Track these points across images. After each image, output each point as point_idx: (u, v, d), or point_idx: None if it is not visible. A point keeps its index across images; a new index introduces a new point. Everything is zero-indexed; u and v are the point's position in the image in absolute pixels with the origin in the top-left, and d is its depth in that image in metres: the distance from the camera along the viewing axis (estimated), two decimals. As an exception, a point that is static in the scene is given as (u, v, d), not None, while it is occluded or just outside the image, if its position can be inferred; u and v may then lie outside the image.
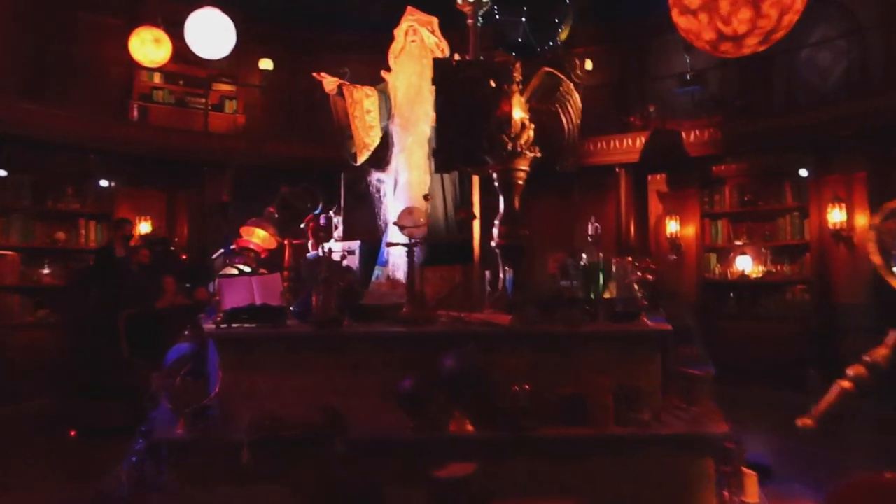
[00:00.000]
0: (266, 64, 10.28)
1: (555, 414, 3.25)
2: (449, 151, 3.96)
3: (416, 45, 4.71)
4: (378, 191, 4.76)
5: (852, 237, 8.75)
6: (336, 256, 4.37)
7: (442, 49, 4.71)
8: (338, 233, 5.68)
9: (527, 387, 3.21)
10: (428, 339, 3.41)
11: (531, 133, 3.77)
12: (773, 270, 9.28)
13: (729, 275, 9.54)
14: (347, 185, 5.35)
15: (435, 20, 4.72)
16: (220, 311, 3.57)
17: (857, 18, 8.82)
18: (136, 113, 9.19)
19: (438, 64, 3.97)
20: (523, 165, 3.77)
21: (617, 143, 9.55)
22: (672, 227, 9.96)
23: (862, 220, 8.73)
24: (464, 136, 3.89)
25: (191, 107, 9.75)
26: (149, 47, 7.12)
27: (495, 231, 3.86)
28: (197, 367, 3.68)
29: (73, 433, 5.96)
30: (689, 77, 9.97)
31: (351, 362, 3.38)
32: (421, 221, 3.73)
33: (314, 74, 4.75)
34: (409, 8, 4.79)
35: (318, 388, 3.31)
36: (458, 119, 3.89)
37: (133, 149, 8.63)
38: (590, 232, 4.29)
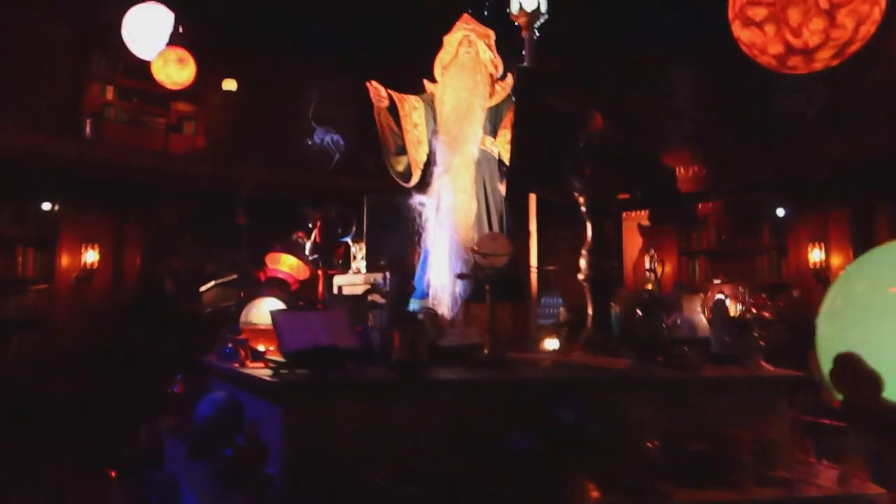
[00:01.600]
0: (230, 84, 9.59)
1: (687, 473, 2.79)
2: (526, 173, 3.50)
3: (470, 58, 4.28)
4: (419, 215, 4.24)
5: (829, 277, 8.84)
6: (358, 291, 3.83)
7: (496, 66, 4.30)
8: (356, 264, 5.12)
9: (656, 442, 2.74)
10: (531, 386, 2.90)
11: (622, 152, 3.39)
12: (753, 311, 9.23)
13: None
14: (371, 211, 4.81)
15: (492, 34, 4.30)
16: (272, 353, 2.95)
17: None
18: (88, 130, 8.28)
19: (523, 72, 3.53)
20: (617, 188, 3.37)
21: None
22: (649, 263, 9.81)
23: (837, 260, 8.87)
24: (544, 156, 3.45)
25: (147, 126, 8.92)
26: (172, 67, 6.67)
27: (582, 262, 3.42)
28: (237, 422, 3.04)
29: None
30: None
31: (441, 413, 2.81)
32: (506, 250, 3.24)
33: (367, 84, 4.23)
34: (466, 16, 4.36)
35: (406, 447, 2.73)
36: (539, 136, 3.44)
37: (82, 168, 7.74)
38: (648, 266, 3.94)
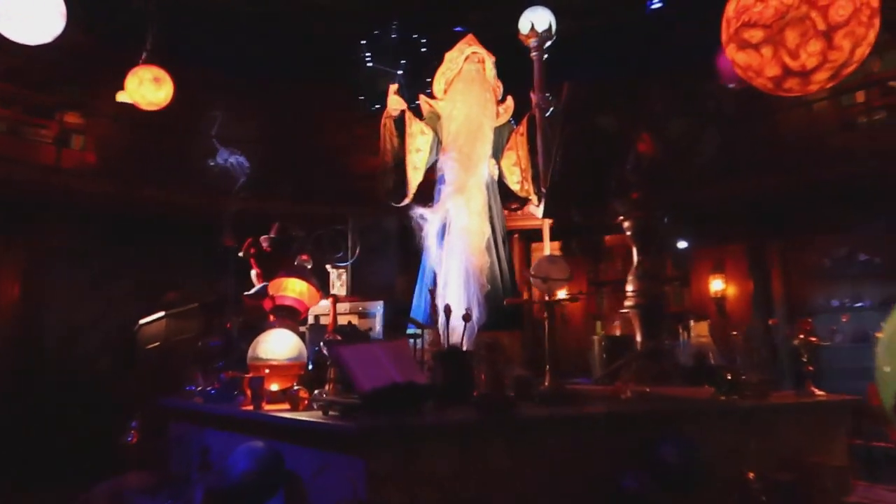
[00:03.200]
0: (124, 97, 8.65)
1: (767, 501, 2.71)
2: (567, 193, 3.35)
3: (478, 73, 4.09)
4: (422, 238, 3.94)
5: (725, 305, 9.50)
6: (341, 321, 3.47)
7: (499, 87, 4.14)
8: (335, 290, 4.67)
9: (751, 474, 2.64)
10: (629, 421, 2.71)
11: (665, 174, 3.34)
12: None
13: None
14: (358, 235, 4.42)
15: (492, 58, 4.15)
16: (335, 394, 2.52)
17: (723, 109, 9.84)
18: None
19: (574, 89, 3.38)
20: (663, 211, 3.30)
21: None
22: (561, 294, 10.00)
23: (733, 290, 9.55)
24: (588, 177, 3.32)
25: (28, 138, 7.82)
26: (147, 87, 6.18)
27: (630, 288, 3.30)
28: (279, 477, 2.57)
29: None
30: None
31: (537, 454, 2.54)
32: (565, 274, 3.04)
33: (388, 86, 3.89)
34: (471, 36, 4.17)
35: (502, 494, 2.43)
36: (585, 156, 3.31)
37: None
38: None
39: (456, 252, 3.81)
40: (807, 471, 2.78)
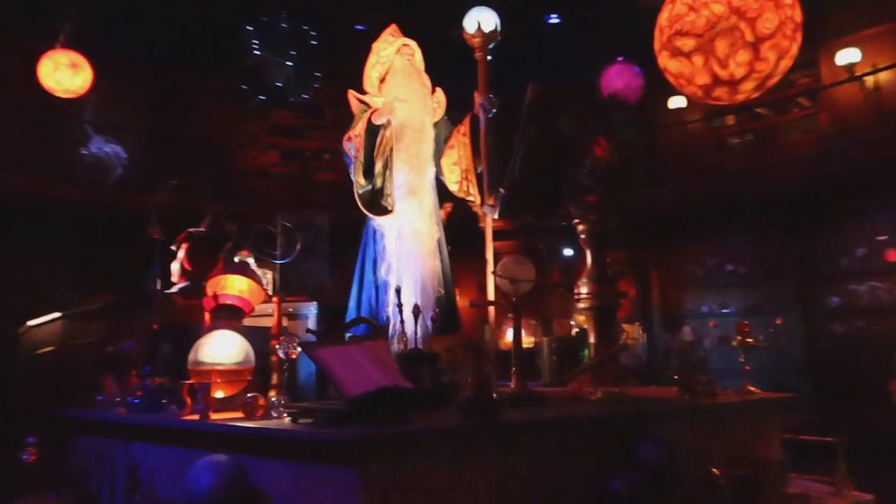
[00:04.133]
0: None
1: (735, 498, 2.83)
2: (524, 195, 3.34)
3: (413, 67, 3.96)
4: (374, 240, 3.76)
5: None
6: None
7: (427, 84, 4.05)
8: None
9: (717, 470, 2.75)
10: (607, 423, 2.72)
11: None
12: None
13: (502, 345, 9.97)
14: (291, 231, 4.15)
15: (419, 50, 4.05)
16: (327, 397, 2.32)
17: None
18: None
19: (538, 89, 3.35)
20: (616, 216, 3.37)
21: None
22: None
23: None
24: (545, 179, 3.33)
25: None
26: (63, 73, 5.86)
27: (583, 290, 3.34)
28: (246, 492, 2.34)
29: None
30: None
31: (524, 458, 2.48)
32: (531, 275, 3.02)
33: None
34: (395, 26, 4.02)
35: (493, 499, 2.35)
36: (543, 159, 3.32)
37: None
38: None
39: (410, 257, 3.66)
40: (757, 465, 2.93)
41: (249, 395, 2.74)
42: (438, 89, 4.14)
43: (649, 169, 9.59)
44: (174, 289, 4.66)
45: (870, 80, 7.85)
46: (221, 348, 2.91)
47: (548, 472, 2.49)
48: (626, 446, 2.57)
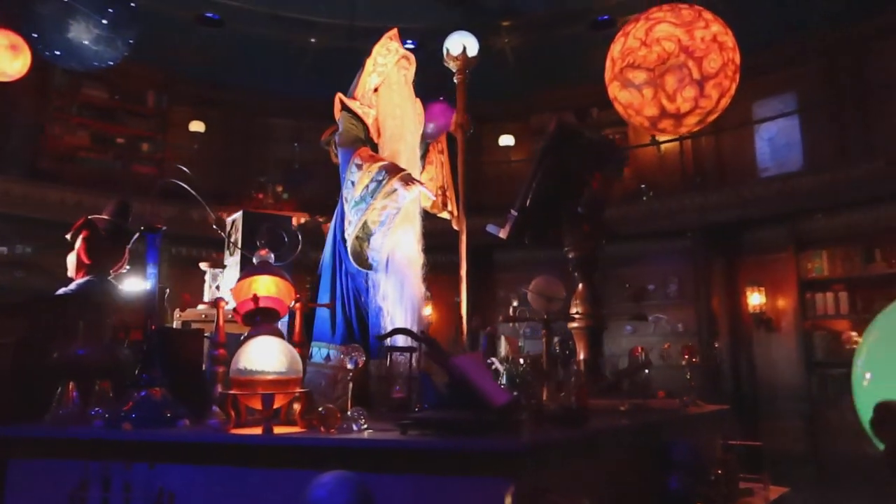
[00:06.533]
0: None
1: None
2: (532, 223, 3.53)
3: (406, 80, 3.86)
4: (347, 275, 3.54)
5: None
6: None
7: (416, 100, 3.98)
8: (210, 294, 3.86)
9: (719, 471, 3.21)
10: (654, 431, 3.03)
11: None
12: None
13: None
14: (247, 230, 3.78)
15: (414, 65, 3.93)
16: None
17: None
18: None
19: (563, 125, 3.52)
20: (605, 244, 3.72)
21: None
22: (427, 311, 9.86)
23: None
24: (551, 209, 3.58)
25: None
26: (2, 55, 5.25)
27: (574, 311, 3.62)
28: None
29: None
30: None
31: (604, 463, 2.68)
32: (562, 294, 3.23)
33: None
34: (395, 30, 3.89)
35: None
36: (554, 189, 3.56)
37: None
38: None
39: (403, 282, 3.49)
40: (725, 465, 3.46)
41: (322, 407, 2.54)
42: (418, 100, 4.00)
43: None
44: (72, 285, 3.98)
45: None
46: (267, 355, 2.63)
47: (618, 475, 2.71)
48: (661, 449, 2.89)
